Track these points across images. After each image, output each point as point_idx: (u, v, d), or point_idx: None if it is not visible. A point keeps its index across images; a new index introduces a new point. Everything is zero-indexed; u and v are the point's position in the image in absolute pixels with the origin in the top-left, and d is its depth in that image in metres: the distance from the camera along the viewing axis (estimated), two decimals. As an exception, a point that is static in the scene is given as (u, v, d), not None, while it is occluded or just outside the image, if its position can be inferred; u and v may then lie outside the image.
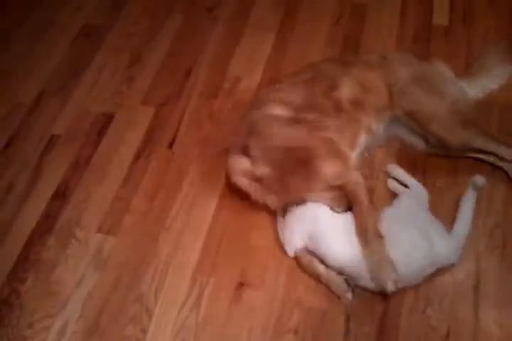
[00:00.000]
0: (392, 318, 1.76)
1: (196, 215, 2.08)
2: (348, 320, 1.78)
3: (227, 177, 1.98)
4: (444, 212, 1.93)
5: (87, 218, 2.11)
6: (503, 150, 1.99)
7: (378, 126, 2.06)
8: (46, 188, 2.21)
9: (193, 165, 2.23)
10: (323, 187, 1.82)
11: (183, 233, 2.04)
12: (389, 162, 2.08)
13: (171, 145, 2.30)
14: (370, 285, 1.73)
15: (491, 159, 2.04)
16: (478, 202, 1.95)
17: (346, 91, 1.98)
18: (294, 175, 1.78)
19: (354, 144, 1.98)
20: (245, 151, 1.82)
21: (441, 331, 1.73)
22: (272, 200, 1.87)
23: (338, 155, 1.84)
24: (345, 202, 1.82)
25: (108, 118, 2.42)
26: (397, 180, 2.01)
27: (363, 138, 2.02)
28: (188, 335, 1.80)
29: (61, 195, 2.18)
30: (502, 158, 2.00)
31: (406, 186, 1.98)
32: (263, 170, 1.81)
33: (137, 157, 2.27)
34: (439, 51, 2.44)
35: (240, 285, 1.88)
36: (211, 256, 1.97)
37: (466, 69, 2.29)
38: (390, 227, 1.75)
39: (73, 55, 2.70)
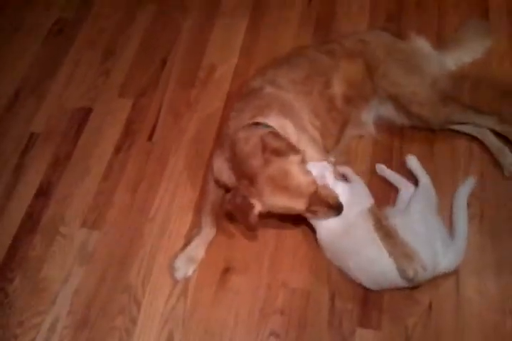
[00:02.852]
0: (375, 294, 1.78)
1: (179, 204, 2.10)
2: (332, 298, 1.80)
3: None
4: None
5: (70, 214, 2.12)
6: (483, 120, 2.03)
7: (368, 116, 2.08)
8: (28, 187, 2.22)
9: (173, 155, 2.24)
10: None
11: (166, 223, 2.05)
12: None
13: (150, 136, 2.31)
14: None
15: (468, 130, 2.06)
16: (455, 172, 1.99)
17: (338, 88, 1.96)
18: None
19: (339, 140, 2.00)
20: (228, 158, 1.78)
21: (424, 303, 1.76)
22: None
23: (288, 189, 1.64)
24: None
25: (86, 112, 2.43)
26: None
27: (349, 131, 2.05)
28: (177, 323, 1.83)
29: (44, 193, 2.19)
30: (483, 127, 2.03)
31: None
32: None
33: (117, 150, 2.28)
34: (412, 25, 2.44)
35: (225, 270, 1.90)
36: (196, 244, 1.98)
37: (441, 42, 2.29)
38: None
39: (46, 52, 2.69)
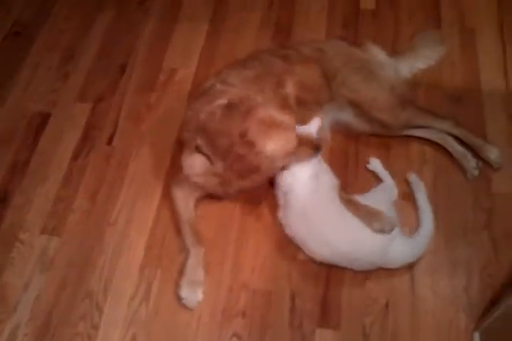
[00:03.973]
0: (334, 293, 1.84)
1: (140, 209, 2.10)
2: (292, 297, 1.85)
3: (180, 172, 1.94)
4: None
5: (30, 220, 2.10)
6: (440, 123, 2.12)
7: (323, 121, 2.10)
8: (-16, 194, 2.18)
9: (133, 159, 2.24)
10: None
11: (128, 228, 2.06)
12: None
13: (110, 140, 2.30)
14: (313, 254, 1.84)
15: (429, 136, 2.14)
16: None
17: (291, 90, 1.99)
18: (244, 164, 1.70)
19: None
20: (199, 149, 1.77)
21: (381, 302, 1.82)
22: (234, 190, 1.88)
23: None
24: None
25: (44, 117, 2.40)
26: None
27: None
28: (139, 328, 1.83)
29: (1, 200, 2.16)
30: (440, 131, 2.12)
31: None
32: (219, 165, 1.75)
33: (76, 155, 2.27)
34: (368, 34, 2.51)
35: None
36: (157, 248, 2.00)
37: (397, 50, 2.38)
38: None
39: (5, 55, 2.64)
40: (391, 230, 1.75)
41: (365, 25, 2.59)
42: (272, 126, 1.66)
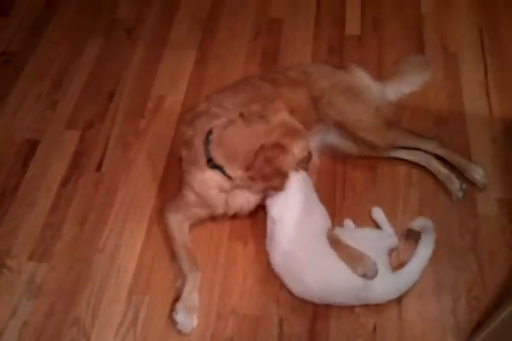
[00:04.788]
0: (322, 318, 1.84)
1: (128, 235, 2.10)
2: (280, 322, 1.84)
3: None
4: (364, 215, 2.07)
5: (17, 247, 2.09)
6: (425, 144, 2.16)
7: (312, 143, 2.13)
8: (-28, 222, 2.18)
9: (122, 186, 2.25)
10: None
11: (116, 254, 2.05)
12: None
13: (98, 167, 2.32)
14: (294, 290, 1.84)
15: (414, 158, 2.18)
16: (395, 198, 2.11)
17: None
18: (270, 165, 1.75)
19: None
20: (213, 164, 1.81)
21: (369, 326, 1.82)
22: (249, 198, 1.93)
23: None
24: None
25: (33, 145, 2.41)
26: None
27: None
28: (127, 354, 1.82)
29: (-11, 226, 2.16)
30: (425, 151, 2.16)
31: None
32: (238, 174, 1.79)
33: (65, 182, 2.27)
34: (353, 59, 2.56)
35: (176, 299, 1.90)
36: (145, 274, 1.99)
37: (381, 75, 2.44)
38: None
39: (-7, 84, 2.67)
40: (373, 276, 1.74)
41: (351, 51, 2.66)
42: (295, 130, 1.78)
